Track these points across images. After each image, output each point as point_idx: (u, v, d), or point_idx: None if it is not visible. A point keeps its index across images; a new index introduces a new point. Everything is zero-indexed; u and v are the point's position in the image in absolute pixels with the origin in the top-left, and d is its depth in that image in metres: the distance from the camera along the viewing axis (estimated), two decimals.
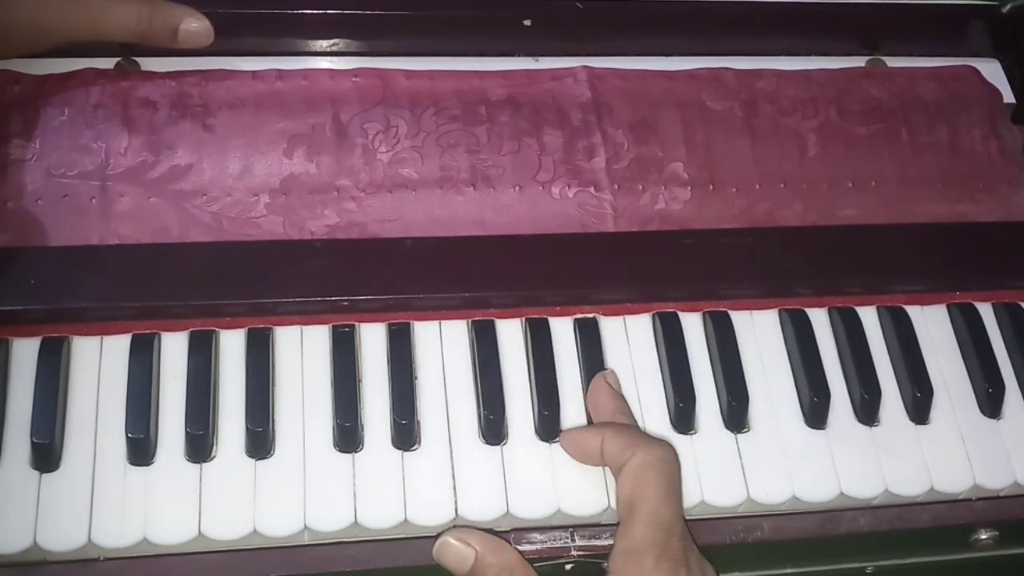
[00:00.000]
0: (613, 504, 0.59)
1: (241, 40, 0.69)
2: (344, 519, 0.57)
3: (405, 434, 0.59)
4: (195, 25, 0.65)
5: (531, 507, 0.59)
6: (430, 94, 0.69)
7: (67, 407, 0.58)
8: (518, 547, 0.58)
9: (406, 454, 0.59)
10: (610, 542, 0.57)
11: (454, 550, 0.56)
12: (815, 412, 0.63)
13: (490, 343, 0.62)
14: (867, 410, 0.63)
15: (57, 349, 0.59)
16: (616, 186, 0.68)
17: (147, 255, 0.62)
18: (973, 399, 0.65)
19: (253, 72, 0.68)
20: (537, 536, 0.59)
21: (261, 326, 0.61)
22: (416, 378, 0.61)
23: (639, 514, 0.55)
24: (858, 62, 0.76)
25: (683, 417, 0.62)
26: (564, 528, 0.59)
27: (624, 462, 0.57)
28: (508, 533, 0.59)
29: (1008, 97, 0.76)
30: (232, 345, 0.61)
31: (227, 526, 0.56)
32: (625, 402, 0.61)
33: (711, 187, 0.69)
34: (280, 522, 0.57)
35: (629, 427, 0.59)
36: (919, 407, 0.64)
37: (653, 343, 0.64)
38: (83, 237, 0.62)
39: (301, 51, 0.71)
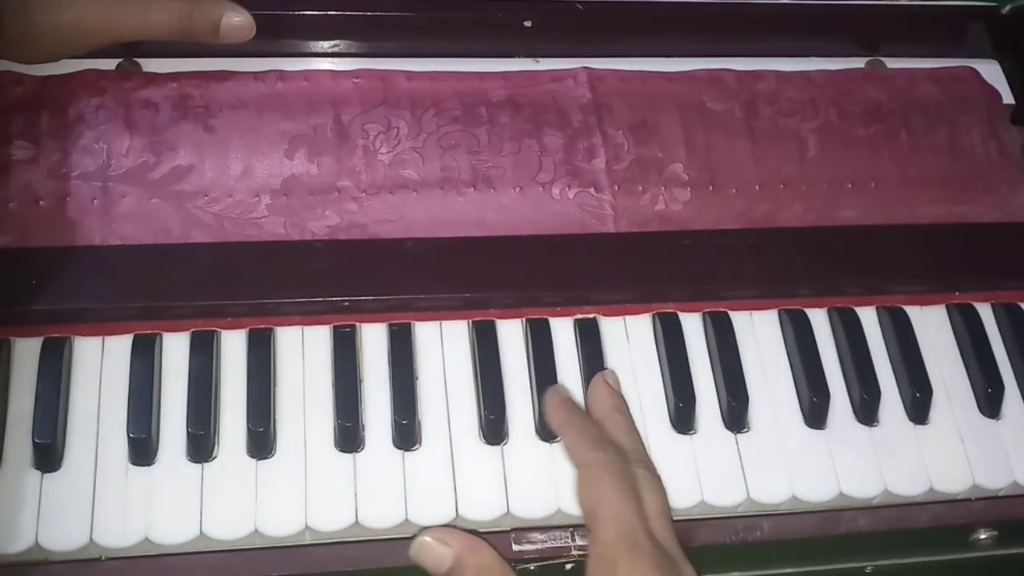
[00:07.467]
0: None
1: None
2: (345, 519, 0.57)
3: (406, 434, 0.59)
4: (237, 19, 0.65)
5: (532, 507, 0.59)
6: (431, 95, 0.69)
7: (69, 407, 0.58)
8: (518, 547, 0.58)
9: (407, 454, 0.59)
10: None
11: (433, 550, 0.55)
12: (815, 412, 0.63)
13: (491, 343, 0.62)
14: (866, 410, 0.64)
15: (59, 349, 0.59)
16: (616, 187, 0.68)
17: (149, 256, 0.62)
18: (972, 399, 0.66)
19: (254, 73, 0.68)
20: (537, 536, 0.59)
21: (262, 326, 0.61)
22: (417, 378, 0.61)
23: (602, 518, 0.54)
24: (858, 63, 0.76)
25: (683, 417, 0.62)
26: (564, 528, 0.59)
27: (575, 463, 0.57)
28: (509, 533, 0.59)
29: (1007, 98, 0.76)
30: (233, 345, 0.61)
31: (228, 526, 0.57)
32: (622, 400, 0.61)
33: (711, 188, 0.69)
34: (281, 522, 0.57)
35: (587, 426, 0.59)
36: (918, 407, 0.64)
37: (653, 343, 0.65)
38: (85, 238, 0.62)
39: (302, 52, 0.71)
